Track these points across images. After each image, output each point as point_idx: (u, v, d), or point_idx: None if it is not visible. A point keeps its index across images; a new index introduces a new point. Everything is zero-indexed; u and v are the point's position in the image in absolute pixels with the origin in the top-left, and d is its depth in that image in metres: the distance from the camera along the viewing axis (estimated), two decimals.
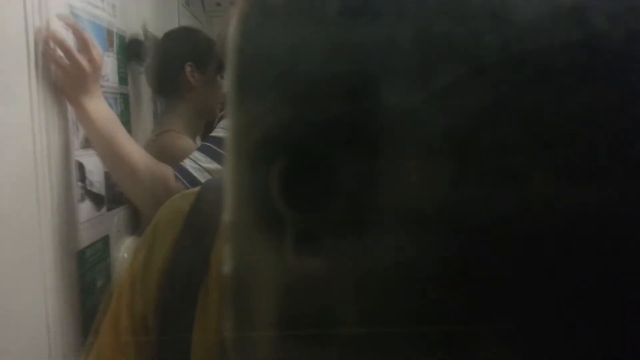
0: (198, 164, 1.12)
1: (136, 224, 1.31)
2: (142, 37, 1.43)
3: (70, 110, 1.03)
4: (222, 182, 0.26)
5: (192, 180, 1.09)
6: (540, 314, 0.23)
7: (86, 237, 1.10)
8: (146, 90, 1.49)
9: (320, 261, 0.24)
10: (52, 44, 0.94)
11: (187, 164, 1.12)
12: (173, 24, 1.80)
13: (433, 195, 0.23)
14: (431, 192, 0.23)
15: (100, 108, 1.04)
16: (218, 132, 1.18)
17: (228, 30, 0.25)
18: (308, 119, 0.24)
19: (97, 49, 1.02)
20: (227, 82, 0.25)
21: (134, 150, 1.10)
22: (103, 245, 1.19)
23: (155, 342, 0.46)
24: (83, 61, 0.98)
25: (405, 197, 0.23)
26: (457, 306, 0.23)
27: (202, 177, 1.10)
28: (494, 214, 0.23)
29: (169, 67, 1.39)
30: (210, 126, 1.54)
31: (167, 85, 1.42)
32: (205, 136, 1.53)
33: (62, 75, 0.97)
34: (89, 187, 1.12)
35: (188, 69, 1.37)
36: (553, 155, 0.22)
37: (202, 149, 1.15)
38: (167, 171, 1.11)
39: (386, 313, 0.24)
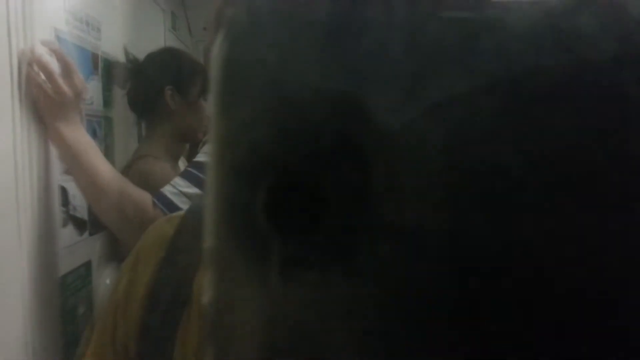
0: (177, 188, 1.09)
1: (118, 249, 1.29)
2: (123, 60, 1.42)
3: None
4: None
5: (170, 205, 1.07)
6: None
7: (68, 262, 1.08)
8: (131, 114, 1.48)
9: (309, 290, 0.23)
10: (35, 68, 0.94)
11: (166, 189, 1.11)
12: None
13: (429, 217, 0.22)
14: (427, 214, 0.22)
15: (78, 135, 1.03)
16: (200, 156, 1.17)
17: (212, 45, 0.24)
18: (296, 137, 0.23)
19: (79, 76, 1.01)
20: (210, 98, 0.25)
21: (111, 178, 1.08)
22: (85, 271, 1.17)
23: None
24: (64, 87, 0.97)
25: (400, 220, 0.22)
26: (455, 335, 0.23)
27: (180, 202, 1.07)
28: (493, 239, 0.22)
29: (148, 90, 1.38)
30: (194, 150, 1.53)
31: (147, 109, 1.41)
32: (190, 159, 1.52)
33: (42, 100, 0.96)
34: (71, 212, 1.11)
35: (168, 92, 1.35)
36: (551, 174, 0.22)
37: (183, 174, 1.13)
38: (145, 197, 1.09)
39: (379, 346, 0.23)
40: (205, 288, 0.25)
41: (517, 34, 0.23)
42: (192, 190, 1.08)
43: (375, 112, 0.22)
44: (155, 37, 1.95)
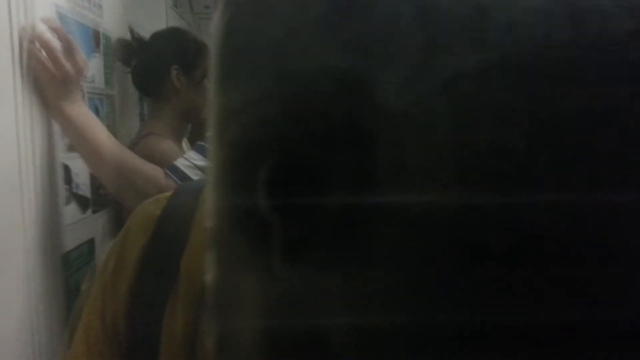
0: (190, 161, 1.11)
1: (121, 226, 1.30)
2: (128, 38, 1.41)
3: None
4: (199, 184, 0.25)
5: (183, 177, 1.08)
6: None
7: (71, 239, 1.08)
8: (133, 92, 1.47)
9: (309, 272, 0.23)
10: (37, 45, 0.93)
11: (179, 161, 1.12)
12: (161, 25, 1.78)
13: (436, 199, 0.22)
14: (434, 195, 0.22)
15: (82, 112, 1.03)
16: None
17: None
18: (298, 114, 0.23)
19: (80, 54, 1.01)
20: (210, 75, 0.24)
21: (119, 152, 1.08)
22: (88, 248, 1.17)
23: (124, 349, 0.45)
24: (66, 63, 0.97)
25: (404, 200, 0.22)
26: (457, 322, 0.22)
27: (193, 175, 1.09)
28: (498, 223, 0.22)
29: (154, 69, 1.37)
30: (197, 130, 1.53)
31: (153, 88, 1.41)
32: (192, 139, 1.52)
33: (43, 77, 0.95)
34: (74, 190, 1.11)
35: (174, 72, 1.35)
36: (556, 159, 0.22)
37: (197, 148, 1.15)
38: (156, 169, 1.10)
39: (379, 329, 0.23)
40: (207, 266, 0.25)
41: (528, 8, 0.22)
42: (205, 162, 1.09)
43: (381, 90, 0.22)
44: (157, 14, 1.93)
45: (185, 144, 1.53)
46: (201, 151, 1.13)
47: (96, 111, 1.21)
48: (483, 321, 0.22)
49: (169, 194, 0.49)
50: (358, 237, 0.22)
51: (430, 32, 0.22)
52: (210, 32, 0.24)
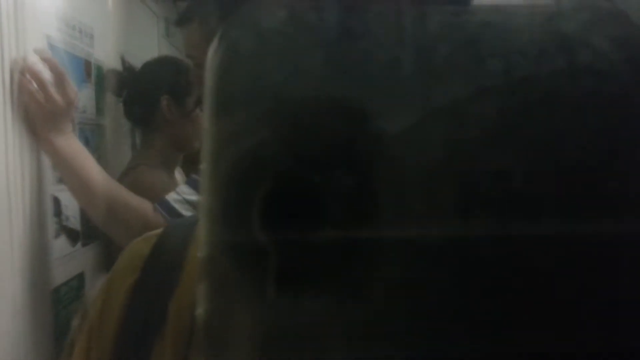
0: (181, 195, 1.09)
1: (112, 259, 1.28)
2: (119, 68, 1.41)
3: None
4: (190, 221, 0.25)
5: (172, 212, 1.07)
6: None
7: (61, 274, 1.06)
8: (124, 122, 1.47)
9: (304, 303, 0.22)
10: (27, 76, 0.93)
11: (170, 196, 1.10)
12: (153, 55, 1.79)
13: (432, 229, 0.21)
14: (430, 225, 0.21)
15: (71, 144, 1.02)
16: None
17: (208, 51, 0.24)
18: (292, 143, 0.22)
19: (71, 86, 1.01)
20: (205, 103, 0.24)
21: (108, 185, 1.07)
22: (78, 283, 1.15)
23: None
24: (56, 95, 0.96)
25: (401, 229, 0.21)
26: (459, 347, 0.21)
27: (183, 210, 1.07)
28: (498, 245, 0.21)
29: (145, 99, 1.37)
30: (189, 160, 1.52)
31: (144, 118, 1.41)
32: (186, 169, 1.51)
33: (34, 109, 0.95)
34: (64, 222, 1.09)
35: (164, 102, 1.35)
36: (557, 181, 0.21)
37: (189, 182, 1.14)
38: (144, 203, 1.09)
39: (378, 355, 0.22)
40: (199, 299, 0.24)
41: (517, 38, 0.22)
42: (197, 197, 1.07)
43: (372, 118, 0.22)
44: (149, 44, 1.94)
45: (179, 173, 1.52)
46: (193, 185, 1.11)
47: (87, 141, 1.20)
48: (477, 353, 0.22)
49: (159, 231, 0.48)
50: (354, 267, 0.22)
51: (425, 60, 0.22)
52: (205, 63, 0.24)
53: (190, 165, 1.51)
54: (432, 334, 0.22)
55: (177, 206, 1.08)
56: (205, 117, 0.24)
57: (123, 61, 1.42)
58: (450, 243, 0.21)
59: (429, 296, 0.22)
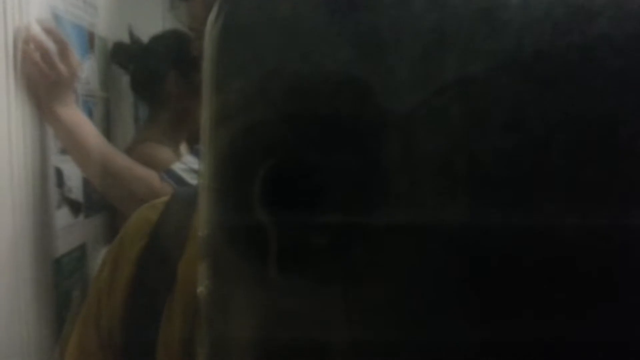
0: (187, 165, 1.10)
1: (114, 231, 1.28)
2: (127, 41, 1.40)
3: None
4: (196, 189, 0.24)
5: (179, 181, 1.07)
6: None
7: (63, 244, 1.07)
8: (127, 95, 1.46)
9: (304, 282, 0.22)
10: (31, 46, 0.92)
11: (176, 165, 1.11)
12: (157, 28, 1.77)
13: (438, 210, 0.21)
14: (436, 206, 0.21)
15: (74, 114, 1.02)
16: None
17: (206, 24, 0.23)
18: (295, 119, 0.22)
19: (74, 56, 1.00)
20: (203, 76, 0.23)
21: (112, 155, 1.07)
22: (80, 254, 1.16)
23: (120, 357, 0.45)
24: (60, 66, 0.96)
25: (403, 209, 0.21)
26: (457, 329, 0.21)
27: (190, 178, 1.07)
28: (498, 229, 0.21)
29: (153, 72, 1.36)
30: (194, 136, 1.51)
31: (151, 92, 1.39)
32: (191, 144, 1.51)
33: (37, 79, 0.94)
34: (66, 194, 1.09)
35: (172, 77, 1.34)
36: (562, 164, 0.21)
37: (193, 152, 1.14)
38: (150, 173, 1.09)
39: (376, 343, 0.22)
40: (200, 277, 0.24)
41: (532, 12, 0.21)
42: None
43: (378, 94, 0.21)
44: (153, 17, 1.92)
45: (184, 148, 1.52)
46: (199, 155, 1.12)
47: (90, 114, 1.19)
48: (482, 339, 0.22)
49: (165, 198, 0.49)
50: (356, 247, 0.22)
51: (434, 34, 0.21)
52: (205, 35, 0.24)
53: (196, 142, 1.50)
54: (432, 317, 0.22)
55: (184, 175, 1.08)
56: (203, 91, 0.24)
57: (131, 34, 1.40)
58: (456, 228, 0.21)
59: (433, 279, 0.21)
